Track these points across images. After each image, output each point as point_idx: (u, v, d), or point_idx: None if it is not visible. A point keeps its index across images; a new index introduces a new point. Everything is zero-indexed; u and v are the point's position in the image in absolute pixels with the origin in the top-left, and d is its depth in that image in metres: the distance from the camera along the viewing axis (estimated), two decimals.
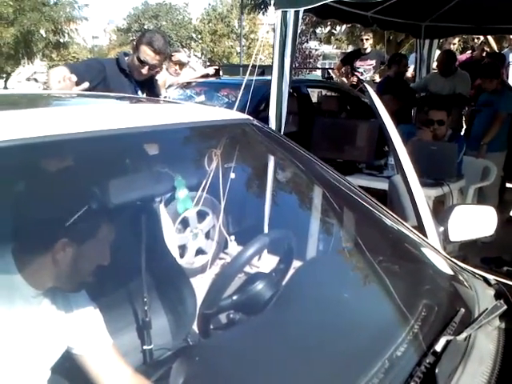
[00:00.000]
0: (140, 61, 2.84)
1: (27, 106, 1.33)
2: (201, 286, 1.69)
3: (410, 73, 6.29)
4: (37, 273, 1.13)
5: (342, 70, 6.69)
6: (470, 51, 6.92)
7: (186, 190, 2.26)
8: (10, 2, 20.46)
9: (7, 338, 1.07)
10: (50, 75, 2.67)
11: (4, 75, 24.28)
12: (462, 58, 6.57)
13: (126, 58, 2.94)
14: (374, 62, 6.19)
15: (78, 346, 1.24)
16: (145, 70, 2.87)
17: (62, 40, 23.45)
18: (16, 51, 21.89)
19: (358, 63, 6.24)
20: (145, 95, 2.98)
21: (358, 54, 6.34)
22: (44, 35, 22.52)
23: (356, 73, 6.23)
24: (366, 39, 6.16)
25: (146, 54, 2.83)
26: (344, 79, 6.53)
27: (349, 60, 6.45)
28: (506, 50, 7.10)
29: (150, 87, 3.04)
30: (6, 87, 23.56)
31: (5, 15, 20.25)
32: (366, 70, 6.21)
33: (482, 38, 6.30)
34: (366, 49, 6.21)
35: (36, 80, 30.35)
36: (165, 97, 4.03)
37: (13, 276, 1.11)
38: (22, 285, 1.12)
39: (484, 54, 6.11)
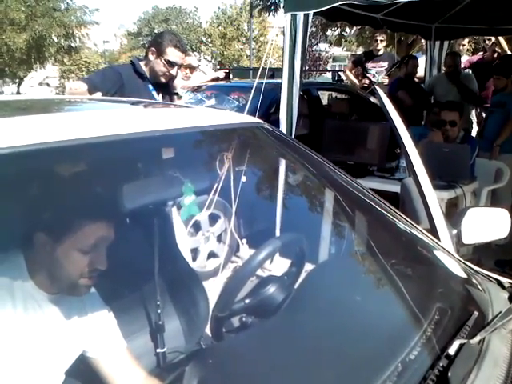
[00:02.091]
0: (170, 63, 2.89)
1: (40, 112, 1.35)
2: (213, 289, 1.70)
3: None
4: (48, 277, 1.14)
5: (353, 71, 6.67)
6: (481, 52, 6.87)
7: (192, 196, 2.27)
8: (21, 7, 20.70)
9: (22, 342, 1.08)
10: (67, 88, 2.74)
11: (17, 80, 24.56)
12: (473, 59, 6.52)
13: (141, 63, 2.97)
14: (386, 64, 6.15)
15: (93, 349, 1.25)
16: (174, 71, 2.94)
17: (73, 45, 23.68)
18: (28, 56, 22.14)
19: (370, 65, 6.20)
20: (160, 96, 3.01)
21: (371, 55, 6.30)
22: (55, 40, 22.74)
23: (368, 75, 6.21)
24: (381, 40, 6.09)
25: (175, 55, 2.88)
26: (355, 81, 6.50)
27: (361, 61, 6.42)
28: None
29: (164, 88, 3.07)
30: (18, 92, 23.83)
31: (17, 21, 20.50)
32: (379, 71, 6.17)
33: (493, 39, 6.26)
34: (379, 50, 6.15)
35: (48, 84, 30.65)
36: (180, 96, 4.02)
37: (25, 282, 1.12)
38: (34, 290, 1.13)
39: (495, 55, 6.07)
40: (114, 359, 1.26)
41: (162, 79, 2.94)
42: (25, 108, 1.57)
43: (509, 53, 6.14)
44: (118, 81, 2.81)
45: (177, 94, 3.29)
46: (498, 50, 6.09)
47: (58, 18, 21.80)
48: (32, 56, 22.33)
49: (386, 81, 6.12)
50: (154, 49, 2.91)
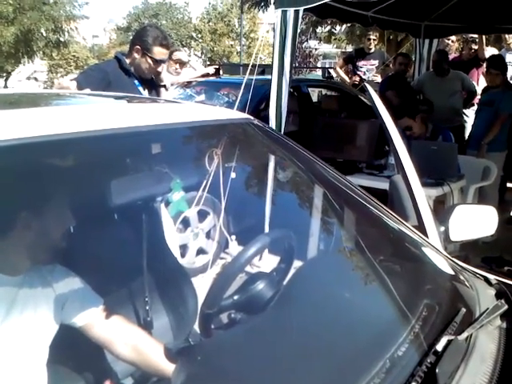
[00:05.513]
0: (156, 61, 2.91)
1: (27, 106, 1.33)
2: (202, 285, 1.69)
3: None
4: (8, 260, 1.14)
5: (343, 69, 6.68)
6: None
7: (181, 192, 2.26)
8: (9, 0, 20.46)
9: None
10: (55, 84, 2.77)
11: (4, 74, 24.31)
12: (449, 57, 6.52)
13: (128, 60, 2.95)
14: (376, 62, 6.18)
15: (69, 319, 1.24)
16: (161, 68, 3.01)
17: (62, 39, 23.46)
18: (16, 50, 21.92)
19: (360, 62, 6.22)
20: (146, 91, 3.00)
21: (362, 53, 6.32)
22: (44, 34, 22.52)
23: (358, 72, 6.22)
24: (374, 39, 6.14)
25: (162, 53, 2.91)
26: (346, 78, 6.52)
27: (352, 59, 6.44)
28: (502, 50, 7.06)
29: (150, 82, 3.09)
30: (6, 86, 23.58)
31: (5, 14, 20.26)
32: (369, 69, 6.20)
33: (472, 37, 6.23)
34: (370, 48, 6.19)
35: (36, 79, 30.40)
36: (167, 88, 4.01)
37: None
38: None
39: (472, 52, 6.07)
40: (96, 319, 1.25)
41: (148, 76, 2.98)
42: (12, 102, 1.55)
43: (487, 49, 6.12)
44: (104, 79, 2.79)
45: (164, 86, 3.31)
46: (474, 47, 6.08)
47: (47, 12, 21.60)
48: (20, 50, 22.11)
49: (377, 78, 6.14)
50: (139, 47, 2.89)
